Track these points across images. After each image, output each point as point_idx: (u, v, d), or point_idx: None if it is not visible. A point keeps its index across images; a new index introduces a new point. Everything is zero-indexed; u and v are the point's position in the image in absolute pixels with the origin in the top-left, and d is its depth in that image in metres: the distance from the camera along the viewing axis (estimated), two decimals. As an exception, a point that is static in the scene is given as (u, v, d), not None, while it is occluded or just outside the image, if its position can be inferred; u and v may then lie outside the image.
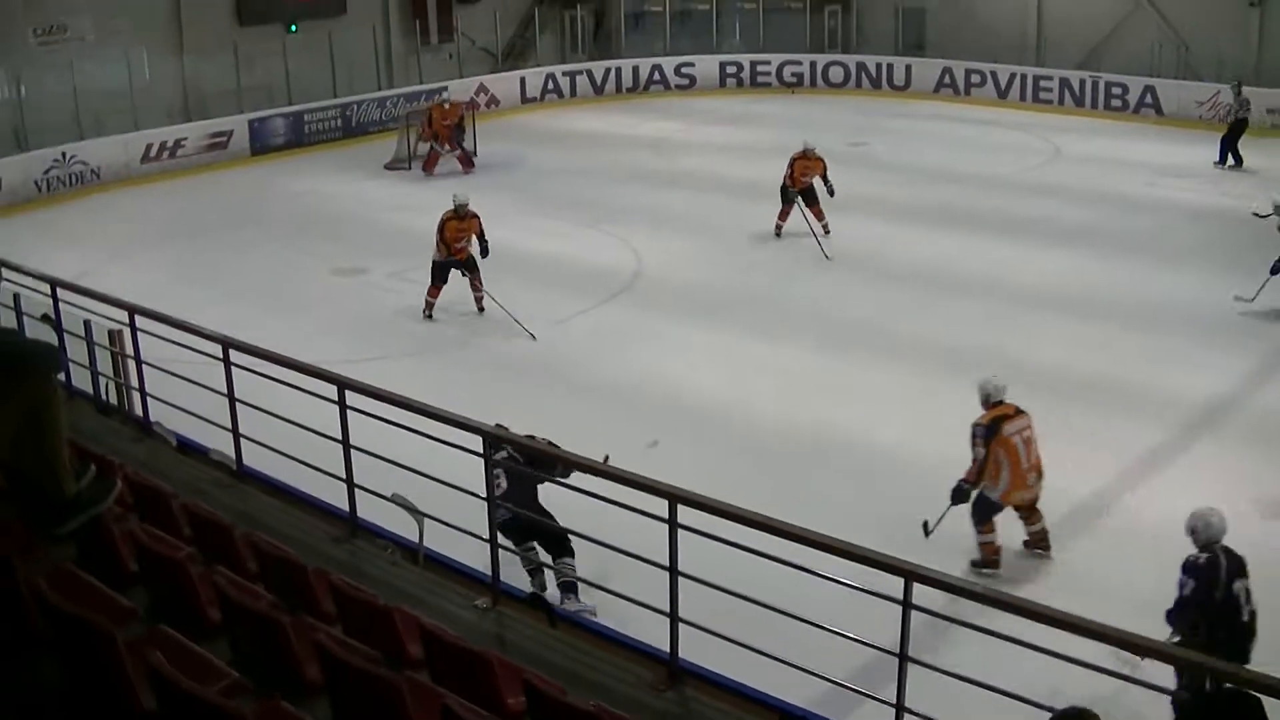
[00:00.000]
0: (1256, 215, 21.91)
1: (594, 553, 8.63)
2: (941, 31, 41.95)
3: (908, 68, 41.53)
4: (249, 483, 10.91)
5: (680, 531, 7.83)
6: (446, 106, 32.54)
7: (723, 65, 42.69)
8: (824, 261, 23.28)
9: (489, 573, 9.06)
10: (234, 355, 10.73)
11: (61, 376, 11.16)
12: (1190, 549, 10.09)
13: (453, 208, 21.07)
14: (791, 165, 24.77)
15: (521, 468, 11.27)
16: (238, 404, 10.83)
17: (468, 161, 31.83)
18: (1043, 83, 38.91)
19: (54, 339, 12.28)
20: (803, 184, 24.60)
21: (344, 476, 9.85)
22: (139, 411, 12.37)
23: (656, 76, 42.39)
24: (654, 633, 8.26)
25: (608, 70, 42.21)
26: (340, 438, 9.75)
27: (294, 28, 36.55)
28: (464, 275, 20.99)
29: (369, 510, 9.98)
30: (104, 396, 13.06)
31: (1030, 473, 13.30)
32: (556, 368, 18.83)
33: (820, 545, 7.24)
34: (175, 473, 10.70)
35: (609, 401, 17.42)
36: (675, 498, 7.82)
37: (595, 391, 17.83)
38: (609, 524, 8.38)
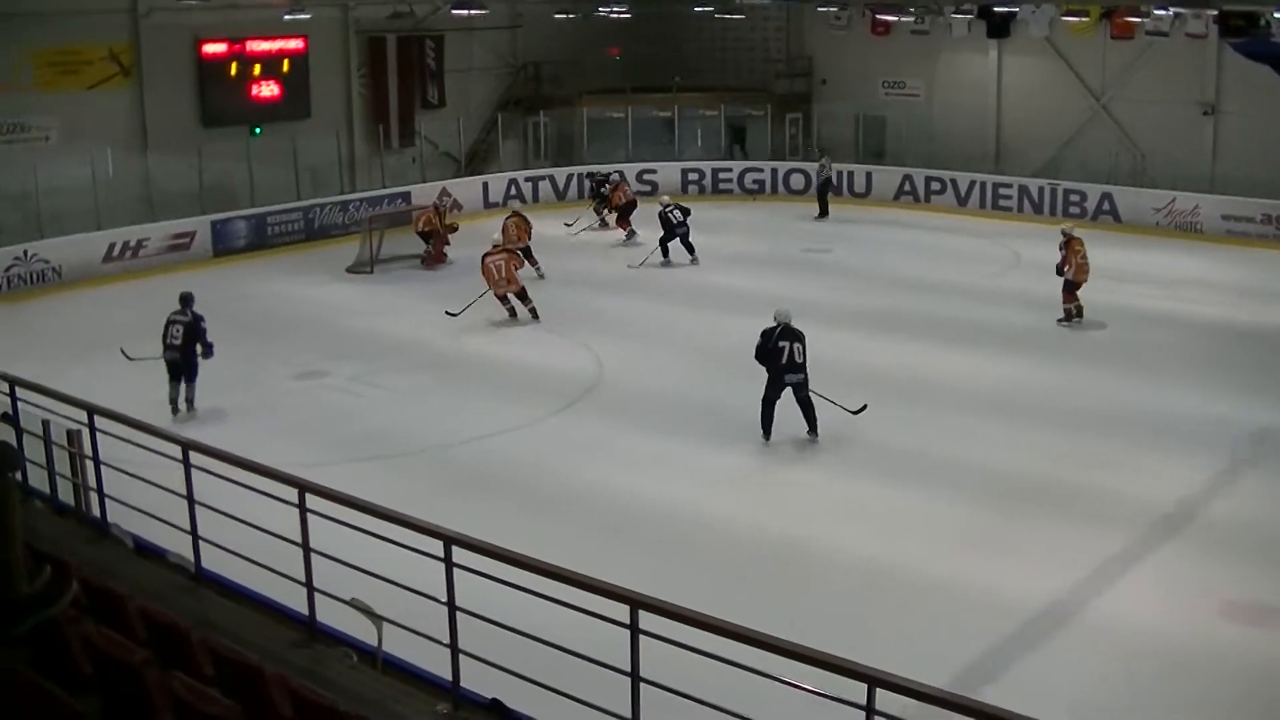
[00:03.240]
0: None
1: (549, 655, 8.56)
2: (901, 139, 42.53)
3: (868, 175, 41.99)
4: (207, 586, 10.79)
5: (641, 637, 7.81)
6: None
7: (684, 172, 42.96)
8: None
9: (449, 678, 8.98)
10: (193, 457, 10.67)
11: (17, 476, 11.06)
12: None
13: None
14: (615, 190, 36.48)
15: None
16: (197, 506, 10.75)
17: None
18: (1002, 190, 39.41)
19: (11, 438, 12.19)
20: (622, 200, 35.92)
21: (303, 580, 9.78)
22: (96, 513, 12.26)
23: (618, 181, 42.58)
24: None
25: (570, 175, 42.43)
26: (300, 541, 9.69)
27: (258, 131, 36.78)
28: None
29: (328, 614, 9.89)
30: (60, 497, 12.94)
31: (501, 281, 26.72)
32: (519, 475, 18.74)
33: (783, 651, 7.21)
34: (132, 575, 10.58)
35: (571, 510, 17.33)
36: (636, 603, 7.80)
37: (555, 499, 17.75)
38: (562, 627, 8.40)
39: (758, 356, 19.47)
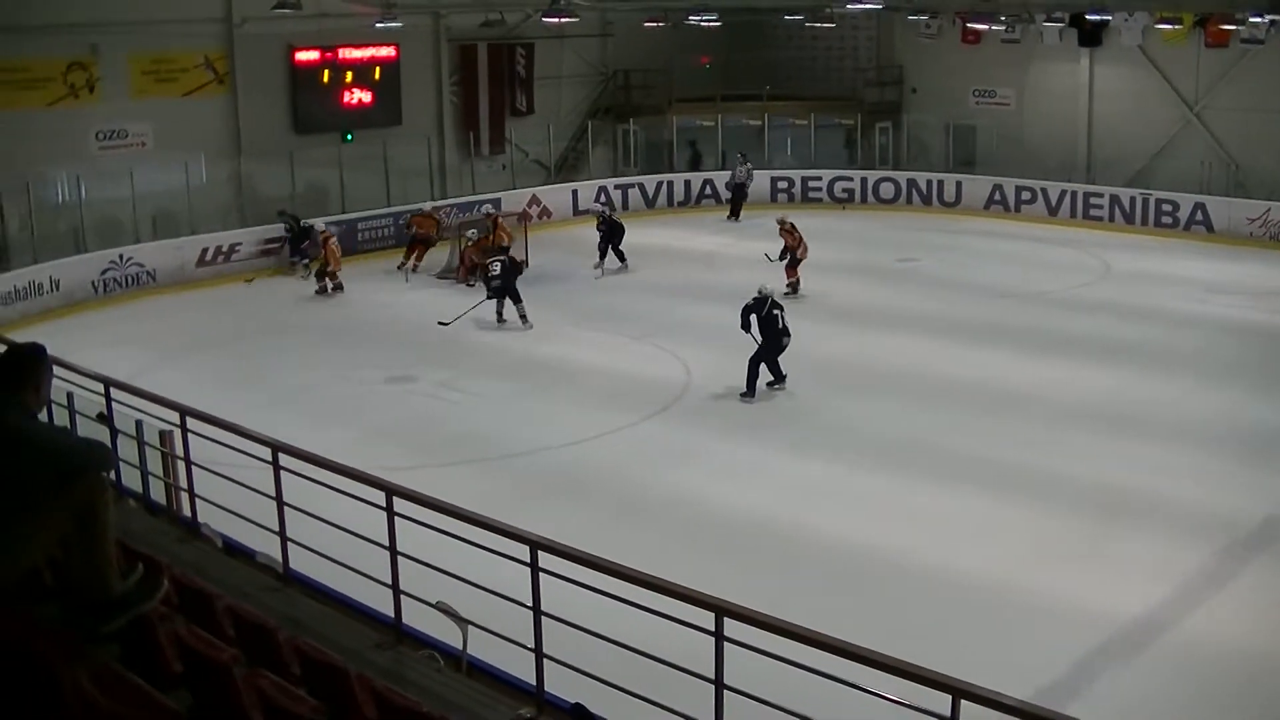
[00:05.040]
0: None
1: (633, 661, 8.57)
2: (992, 149, 42.21)
3: (958, 184, 41.69)
4: (295, 586, 10.88)
5: (725, 644, 7.80)
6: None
7: (774, 180, 42.82)
8: (870, 377, 23.25)
9: (533, 683, 9.00)
10: (283, 459, 10.76)
11: (112, 476, 11.19)
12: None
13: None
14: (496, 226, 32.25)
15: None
16: (285, 508, 10.86)
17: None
18: (1093, 200, 39.01)
19: (106, 438, 12.35)
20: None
21: (390, 582, 9.84)
22: (187, 512, 12.41)
23: (708, 190, 42.61)
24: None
25: (659, 183, 42.47)
26: (387, 544, 9.75)
27: (350, 137, 37.12)
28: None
29: (414, 617, 9.95)
30: (153, 496, 13.11)
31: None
32: (604, 481, 18.78)
33: (867, 660, 7.18)
34: (221, 574, 10.67)
35: (656, 517, 17.36)
36: (721, 610, 7.79)
37: (642, 506, 17.79)
38: (647, 633, 8.41)
39: (745, 324, 22.66)
